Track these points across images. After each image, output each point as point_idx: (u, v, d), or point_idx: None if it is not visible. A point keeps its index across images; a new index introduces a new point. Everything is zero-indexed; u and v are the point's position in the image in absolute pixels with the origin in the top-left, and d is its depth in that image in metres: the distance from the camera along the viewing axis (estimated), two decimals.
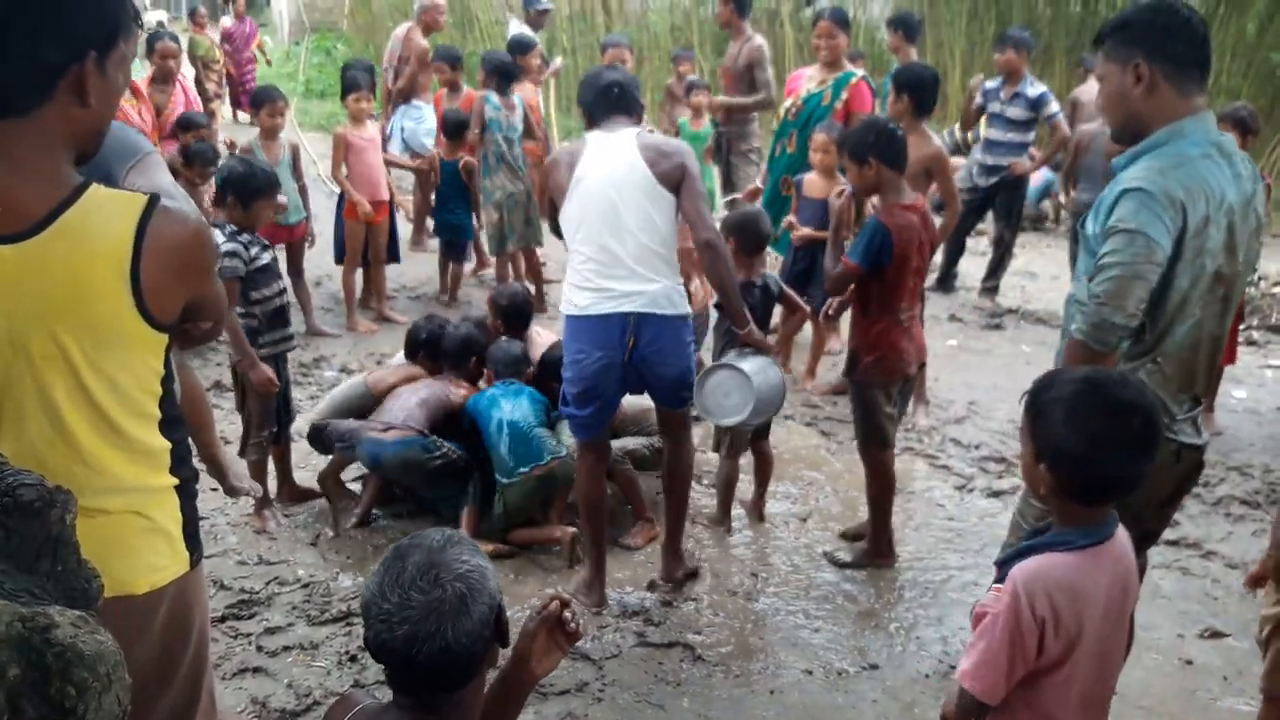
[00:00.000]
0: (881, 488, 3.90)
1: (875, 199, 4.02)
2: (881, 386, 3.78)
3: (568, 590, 3.28)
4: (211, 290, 1.76)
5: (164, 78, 6.67)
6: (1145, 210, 2.22)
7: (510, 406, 3.98)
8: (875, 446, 3.85)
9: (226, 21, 13.19)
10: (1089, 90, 8.02)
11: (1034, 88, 6.87)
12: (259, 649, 3.29)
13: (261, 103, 6.06)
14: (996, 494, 4.55)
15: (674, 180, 3.38)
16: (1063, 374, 1.94)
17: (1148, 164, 2.29)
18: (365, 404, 4.33)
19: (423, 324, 4.58)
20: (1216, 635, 3.52)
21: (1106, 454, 1.81)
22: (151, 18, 14.51)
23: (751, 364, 3.60)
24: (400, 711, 1.61)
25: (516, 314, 4.45)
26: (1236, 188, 2.32)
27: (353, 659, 3.23)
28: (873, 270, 3.62)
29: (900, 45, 7.18)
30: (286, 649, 3.28)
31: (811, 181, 5.50)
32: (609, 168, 3.38)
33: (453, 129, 6.82)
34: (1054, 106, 6.92)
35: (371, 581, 1.58)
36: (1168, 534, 4.16)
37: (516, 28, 8.44)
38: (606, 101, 3.52)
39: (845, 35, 5.91)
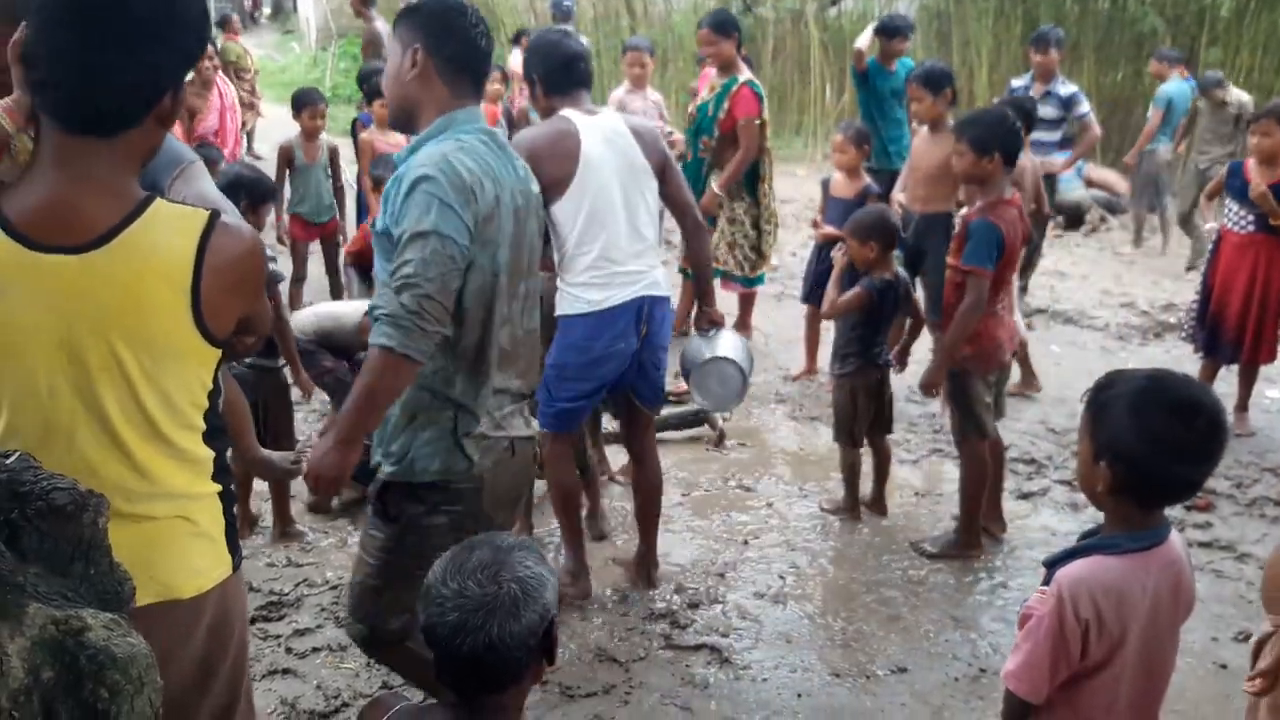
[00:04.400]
0: (976, 478, 3.91)
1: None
2: (980, 376, 3.81)
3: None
4: (262, 305, 1.80)
5: (202, 83, 6.77)
6: (438, 205, 2.16)
7: None
8: (974, 436, 3.87)
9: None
10: None
11: (1065, 87, 6.81)
12: (288, 650, 3.31)
13: (303, 105, 6.15)
14: (1026, 496, 4.51)
15: (659, 165, 3.36)
16: (1127, 372, 1.91)
17: (430, 150, 2.26)
18: (350, 343, 4.14)
19: None
20: (1251, 638, 3.47)
21: (1167, 454, 1.78)
22: None
23: (733, 349, 3.75)
24: (441, 712, 1.62)
25: None
26: (516, 179, 2.36)
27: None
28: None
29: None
30: (315, 650, 3.30)
31: (838, 182, 5.50)
32: (613, 155, 3.25)
33: None
34: (1085, 106, 6.86)
35: (436, 566, 1.62)
36: (1200, 535, 4.13)
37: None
38: (572, 75, 3.31)
39: (727, 40, 5.77)
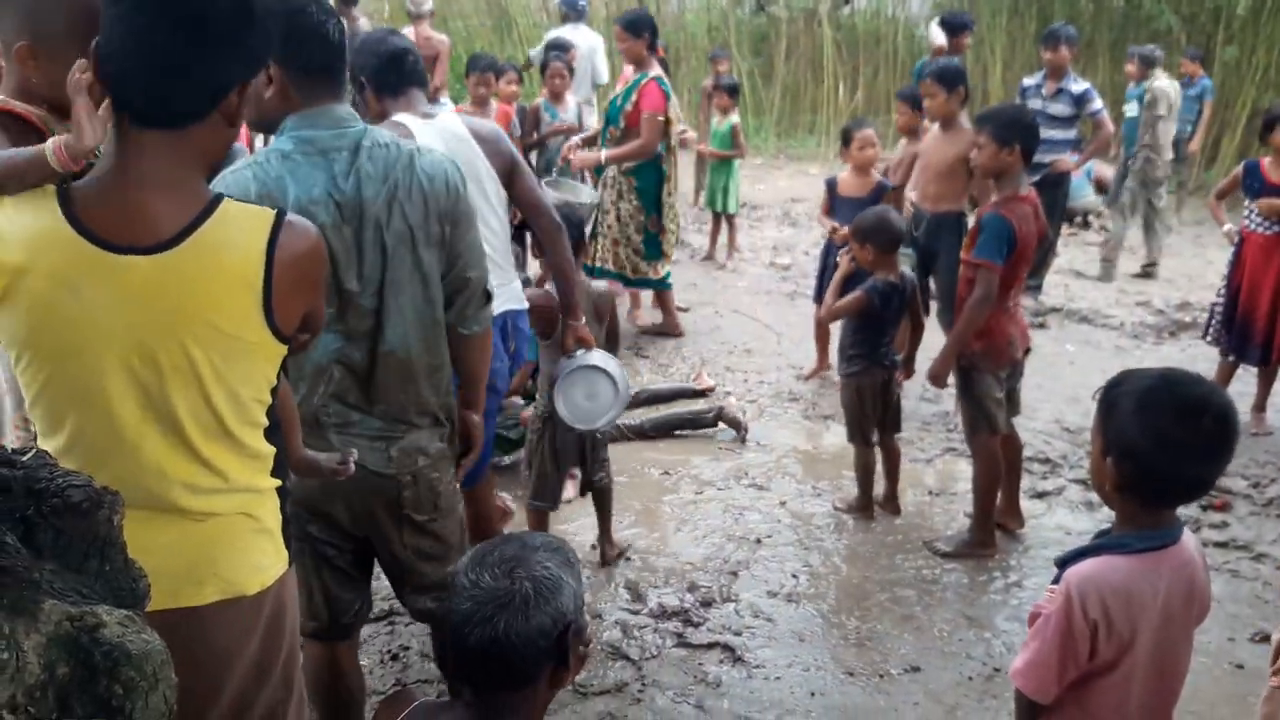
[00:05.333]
0: (987, 474, 3.91)
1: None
2: (990, 372, 3.80)
3: None
4: (321, 301, 1.82)
5: None
6: None
7: None
8: (984, 432, 3.87)
9: None
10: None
11: (1077, 84, 6.77)
12: (303, 647, 3.32)
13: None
14: (1040, 495, 4.48)
15: (505, 168, 3.14)
16: (1138, 370, 1.91)
17: (237, 166, 2.17)
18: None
19: None
20: (1267, 639, 3.44)
21: (1173, 452, 1.77)
22: None
23: (601, 358, 3.43)
24: (458, 709, 1.63)
25: None
26: (332, 188, 2.14)
27: (394, 657, 3.26)
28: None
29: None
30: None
31: (845, 180, 5.47)
32: (461, 163, 2.86)
33: None
34: (1098, 103, 6.83)
35: (466, 555, 1.64)
36: (1216, 535, 4.11)
37: (571, 32, 8.39)
38: (401, 72, 2.99)
39: (637, 39, 5.83)
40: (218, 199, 1.61)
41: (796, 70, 13.77)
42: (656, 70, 5.95)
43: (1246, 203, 5.12)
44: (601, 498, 3.87)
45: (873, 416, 4.19)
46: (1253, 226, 5.05)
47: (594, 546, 3.93)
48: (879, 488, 4.31)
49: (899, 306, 4.13)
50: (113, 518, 1.26)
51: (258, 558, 1.73)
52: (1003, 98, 11.12)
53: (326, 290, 2.17)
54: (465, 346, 2.42)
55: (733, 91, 8.03)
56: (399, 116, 2.95)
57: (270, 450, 1.75)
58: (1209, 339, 5.45)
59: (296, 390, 2.24)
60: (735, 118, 7.98)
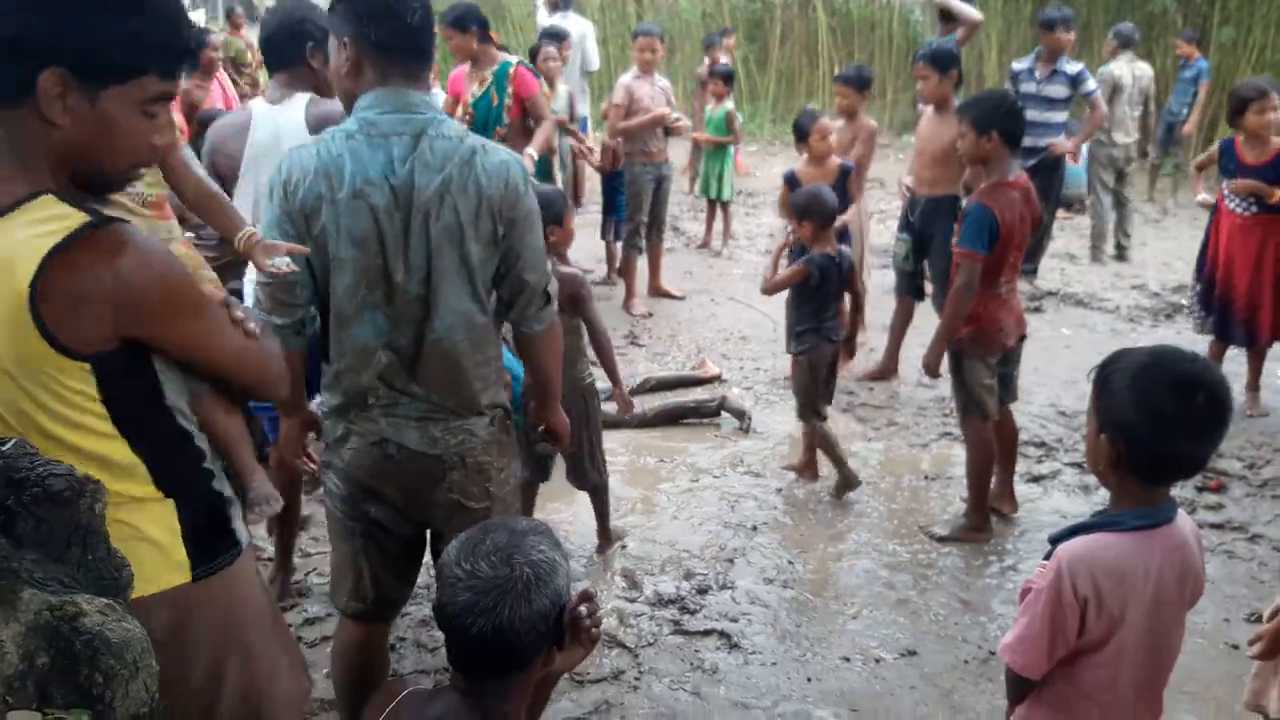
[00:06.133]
0: (979, 458, 3.92)
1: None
2: (980, 358, 3.80)
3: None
4: (192, 339, 1.64)
5: (205, 72, 6.77)
6: (266, 200, 2.20)
7: None
8: (975, 417, 3.88)
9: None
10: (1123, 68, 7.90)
11: (1071, 65, 6.75)
12: (299, 639, 3.32)
13: None
14: (1036, 479, 4.49)
15: None
16: (1132, 349, 1.91)
17: (306, 143, 2.22)
18: None
19: None
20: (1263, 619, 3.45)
21: (1167, 429, 1.77)
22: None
23: None
24: (451, 695, 1.63)
25: None
26: (389, 173, 2.14)
27: (390, 649, 3.26)
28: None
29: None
30: (326, 639, 3.31)
31: (805, 171, 5.42)
32: (277, 152, 2.72)
33: None
34: (1092, 84, 6.80)
35: (451, 547, 1.62)
36: (1212, 517, 4.12)
37: (562, 19, 8.34)
38: (269, 49, 3.12)
39: (464, 34, 5.65)
40: (35, 194, 1.49)
41: (791, 56, 13.74)
42: (512, 57, 5.86)
43: (1224, 183, 5.12)
44: (597, 494, 3.86)
45: (824, 391, 4.28)
46: (1232, 206, 5.04)
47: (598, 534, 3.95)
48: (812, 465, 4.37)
49: (838, 280, 4.20)
50: (95, 506, 1.25)
51: (134, 567, 1.58)
52: (997, 82, 11.09)
53: (371, 274, 2.18)
54: (530, 345, 2.42)
55: (727, 78, 8.00)
56: (253, 101, 3.11)
57: (136, 461, 1.62)
58: (1192, 324, 5.46)
59: (343, 369, 2.27)
60: (730, 104, 7.96)
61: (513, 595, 1.55)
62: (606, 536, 3.91)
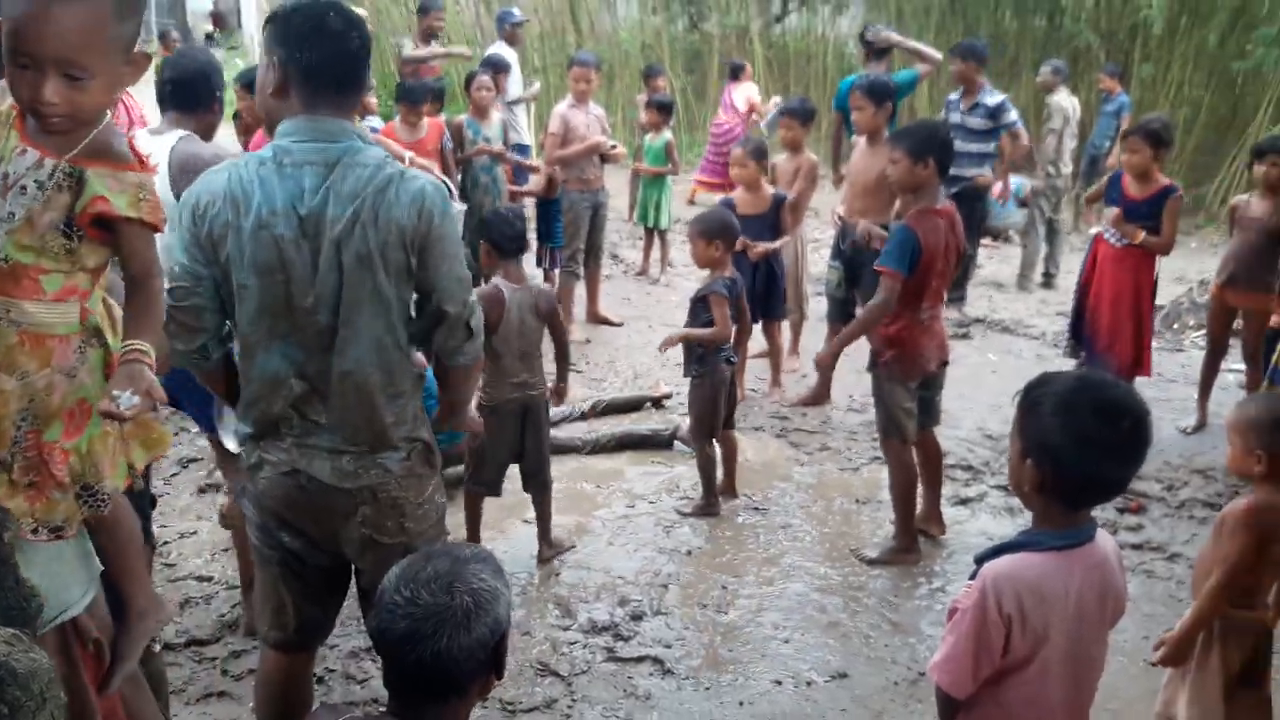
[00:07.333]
0: (901, 481, 3.99)
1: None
2: (900, 382, 3.86)
3: None
4: None
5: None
6: (178, 222, 2.18)
7: None
8: (895, 440, 3.95)
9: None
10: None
11: (992, 96, 6.96)
12: (224, 673, 3.26)
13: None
14: (964, 501, 4.57)
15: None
16: (1058, 373, 1.95)
17: (220, 165, 2.22)
18: None
19: None
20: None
21: (1092, 453, 1.81)
22: None
23: None
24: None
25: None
26: (297, 201, 2.12)
27: (319, 680, 3.20)
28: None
29: (869, 60, 7.24)
30: (251, 672, 3.25)
31: (742, 199, 5.52)
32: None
33: None
34: (1013, 114, 7.00)
35: (392, 572, 1.61)
36: (1132, 537, 4.23)
37: (496, 47, 8.40)
38: (161, 91, 3.23)
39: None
40: None
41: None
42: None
43: (1104, 212, 5.27)
44: (540, 494, 3.96)
45: (721, 414, 4.36)
46: (1107, 237, 5.16)
47: (534, 556, 3.97)
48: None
49: (735, 304, 4.33)
50: (2, 535, 1.23)
51: None
52: (930, 113, 11.35)
53: (275, 304, 2.14)
54: (449, 374, 2.41)
55: (665, 108, 8.09)
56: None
57: None
58: (1063, 349, 5.56)
59: (253, 398, 2.24)
60: (668, 134, 8.04)
61: (452, 624, 1.54)
62: (548, 542, 4.00)
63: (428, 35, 7.88)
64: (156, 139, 3.18)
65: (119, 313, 1.91)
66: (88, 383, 1.81)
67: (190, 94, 3.25)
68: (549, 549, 3.98)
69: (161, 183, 2.85)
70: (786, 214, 5.51)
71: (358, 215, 2.13)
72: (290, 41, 2.15)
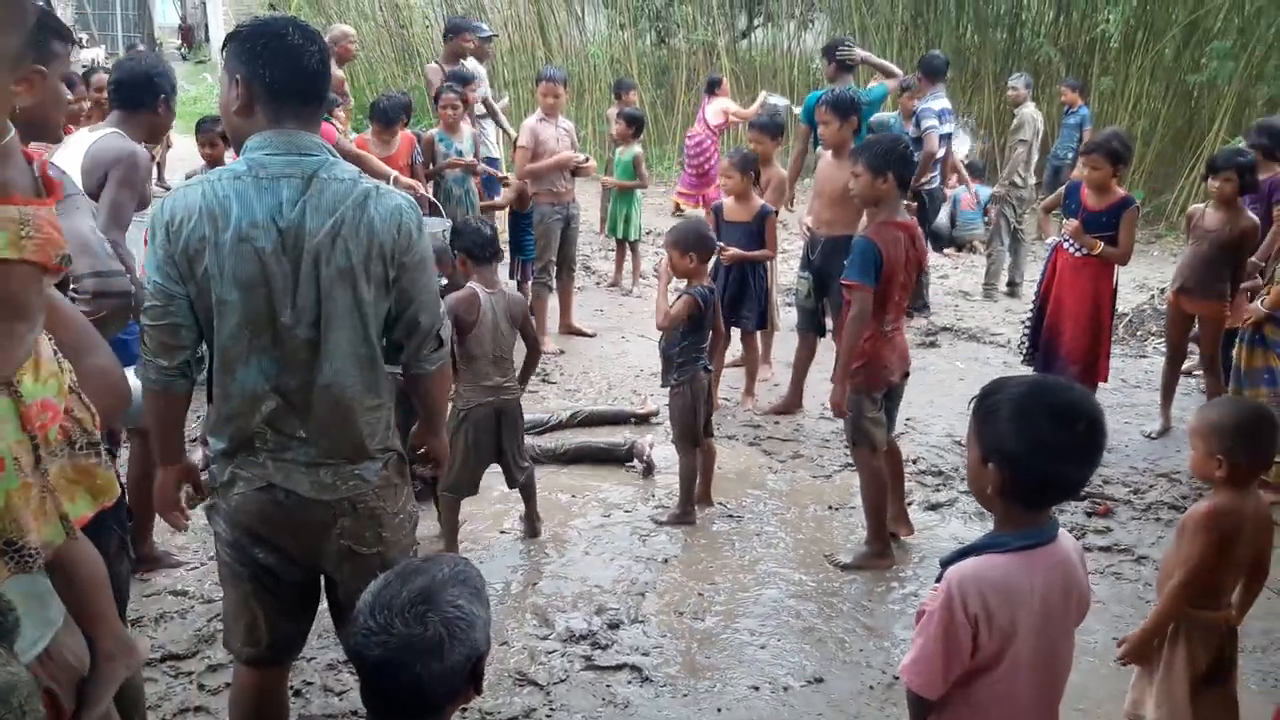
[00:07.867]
0: (873, 489, 4.03)
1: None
2: (865, 393, 3.91)
3: None
4: None
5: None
6: (150, 241, 2.18)
7: None
8: (864, 450, 4.00)
9: None
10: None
11: (920, 104, 7.13)
12: (201, 687, 3.24)
13: (198, 132, 6.20)
14: (934, 506, 4.63)
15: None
16: (1012, 378, 1.99)
17: (191, 182, 2.22)
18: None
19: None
20: None
21: (1049, 456, 1.85)
22: (88, 55, 14.40)
23: None
24: None
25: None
26: (276, 215, 2.12)
27: (296, 694, 3.19)
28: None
29: (836, 74, 7.33)
30: (228, 686, 3.23)
31: (731, 207, 5.57)
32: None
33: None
34: (929, 121, 7.18)
35: (367, 593, 1.60)
36: (1100, 540, 4.30)
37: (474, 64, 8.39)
38: (144, 94, 3.43)
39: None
40: None
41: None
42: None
43: (1063, 221, 5.35)
44: (526, 489, 4.23)
45: (701, 420, 4.41)
46: (1067, 245, 5.20)
47: (511, 567, 3.97)
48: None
49: (710, 313, 4.39)
50: None
51: None
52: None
53: (257, 318, 2.14)
54: (420, 384, 2.43)
55: (635, 122, 8.14)
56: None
57: None
58: (1022, 356, 5.60)
59: (228, 413, 2.23)
60: (638, 148, 8.09)
61: (426, 654, 1.54)
62: (536, 517, 4.30)
63: (456, 56, 7.86)
64: (91, 134, 3.33)
65: (46, 351, 1.73)
66: None
67: (134, 95, 3.41)
68: (539, 521, 4.30)
69: (72, 176, 2.96)
70: (772, 230, 5.55)
71: (337, 229, 2.15)
72: (252, 59, 2.16)
